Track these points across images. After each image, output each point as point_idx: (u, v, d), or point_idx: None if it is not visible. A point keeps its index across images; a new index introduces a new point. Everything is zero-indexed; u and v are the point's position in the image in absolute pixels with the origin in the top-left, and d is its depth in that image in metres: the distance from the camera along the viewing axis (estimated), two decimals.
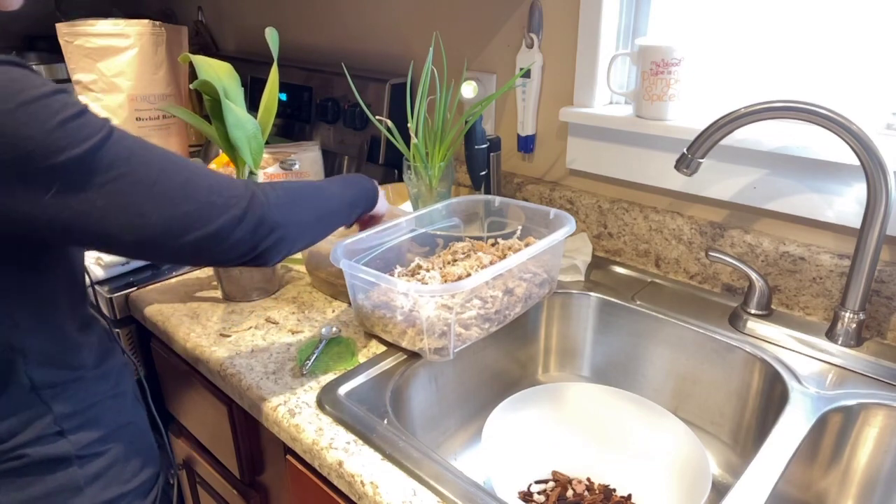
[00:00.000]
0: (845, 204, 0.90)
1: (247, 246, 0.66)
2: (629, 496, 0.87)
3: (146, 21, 1.33)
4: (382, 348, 0.91)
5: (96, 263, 1.13)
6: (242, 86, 0.99)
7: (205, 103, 0.95)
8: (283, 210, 0.69)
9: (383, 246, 0.98)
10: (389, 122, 1.14)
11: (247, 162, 0.96)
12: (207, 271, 1.15)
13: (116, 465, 0.77)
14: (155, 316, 1.01)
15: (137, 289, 1.10)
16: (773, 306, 0.96)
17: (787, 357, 0.88)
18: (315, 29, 1.70)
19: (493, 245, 1.03)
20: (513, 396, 0.90)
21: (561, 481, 0.89)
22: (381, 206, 0.94)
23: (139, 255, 0.64)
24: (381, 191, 0.94)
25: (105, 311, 1.11)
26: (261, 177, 1.36)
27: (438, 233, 1.07)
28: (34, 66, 2.21)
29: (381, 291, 0.88)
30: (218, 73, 0.95)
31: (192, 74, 0.99)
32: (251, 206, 0.65)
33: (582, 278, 1.09)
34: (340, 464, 0.70)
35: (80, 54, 1.29)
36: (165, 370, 1.11)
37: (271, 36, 1.01)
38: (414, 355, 0.89)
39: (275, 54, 1.00)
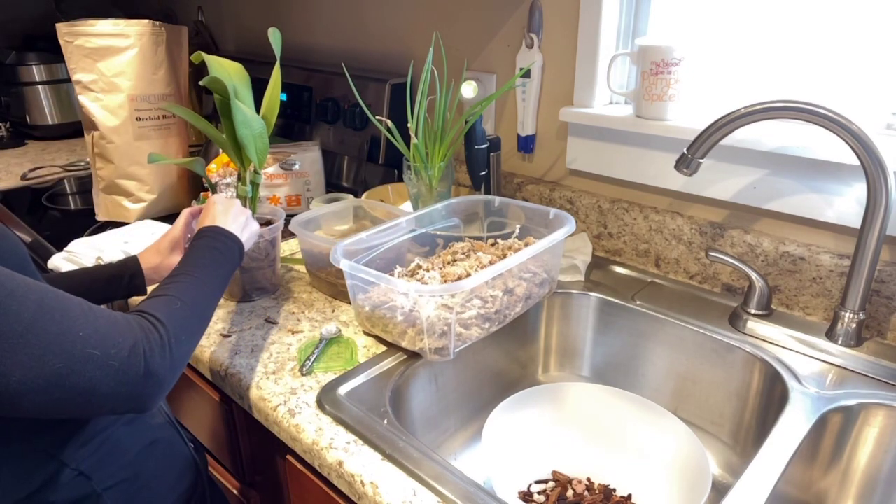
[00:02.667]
0: (845, 204, 0.90)
1: (121, 400, 0.59)
2: (629, 496, 0.87)
3: (146, 21, 1.33)
4: (382, 348, 0.91)
5: (96, 263, 1.13)
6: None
7: (215, 101, 0.95)
8: (175, 353, 0.63)
9: (383, 246, 0.98)
10: (389, 122, 1.14)
11: (252, 161, 0.95)
12: None
13: (149, 486, 0.76)
14: None
15: None
16: (773, 306, 0.96)
17: (787, 357, 0.88)
18: (315, 29, 1.70)
19: (492, 245, 1.03)
20: (513, 396, 0.90)
21: (561, 481, 0.89)
22: (252, 237, 0.89)
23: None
24: (246, 230, 0.86)
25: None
26: (261, 177, 1.36)
27: (438, 233, 1.07)
28: (34, 66, 2.21)
29: (381, 291, 0.88)
30: (229, 72, 0.95)
31: (193, 74, 0.99)
32: (132, 359, 0.59)
33: (582, 278, 1.09)
34: (340, 464, 0.70)
35: (80, 54, 1.29)
36: None
37: (274, 36, 1.01)
38: (414, 355, 0.89)
39: (277, 54, 1.00)
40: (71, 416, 0.63)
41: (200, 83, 0.91)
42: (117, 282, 0.88)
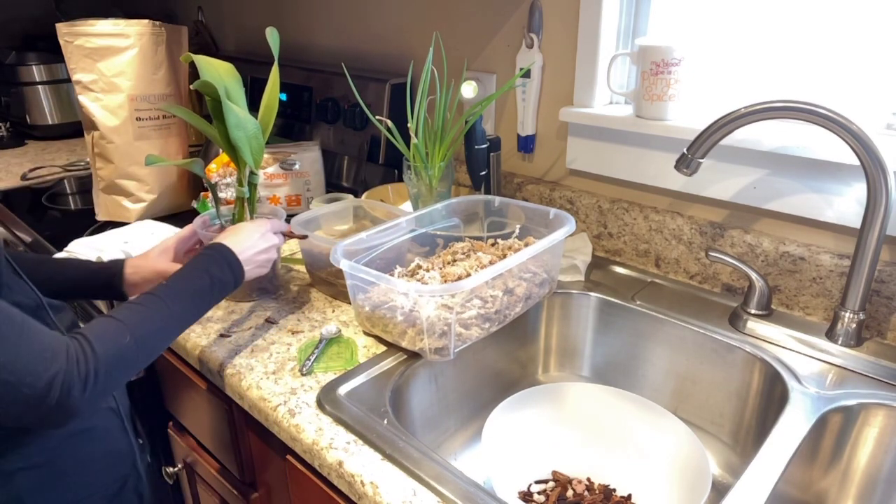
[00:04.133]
0: (845, 204, 0.90)
1: (29, 421, 0.62)
2: (629, 496, 0.87)
3: (146, 21, 1.33)
4: (382, 348, 0.91)
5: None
6: (243, 86, 0.99)
7: (206, 103, 0.95)
8: (100, 387, 0.63)
9: (383, 246, 0.98)
10: (389, 122, 1.14)
11: (247, 162, 0.95)
12: None
13: (68, 474, 0.75)
14: None
15: None
16: (773, 306, 0.96)
17: (787, 357, 0.88)
18: (315, 29, 1.70)
19: (492, 245, 1.03)
20: (513, 396, 0.90)
21: (561, 481, 0.89)
22: (260, 268, 0.88)
23: None
24: (259, 245, 0.87)
25: (104, 310, 1.11)
26: (261, 177, 1.36)
27: (438, 233, 1.07)
28: (34, 66, 2.21)
29: (381, 291, 0.88)
30: (220, 72, 0.95)
31: (193, 74, 0.99)
32: (47, 390, 0.59)
33: (582, 278, 1.09)
34: (340, 464, 0.70)
35: (80, 54, 1.29)
36: (165, 370, 1.11)
37: (272, 36, 1.00)
38: (414, 355, 0.89)
39: (275, 54, 1.00)
40: None
41: (191, 87, 0.91)
42: (96, 279, 0.90)
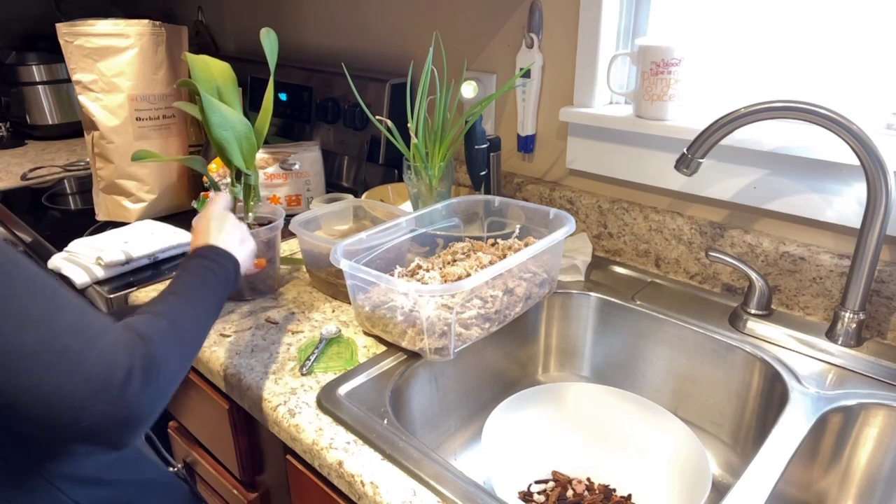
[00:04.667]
0: (845, 204, 0.90)
1: (89, 416, 0.50)
2: (629, 496, 0.87)
3: (146, 21, 1.33)
4: (382, 348, 0.91)
5: (96, 263, 1.13)
6: (242, 86, 0.98)
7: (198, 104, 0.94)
8: (156, 378, 0.54)
9: (383, 246, 0.98)
10: (389, 122, 1.14)
11: (233, 162, 0.93)
12: None
13: None
14: None
15: (137, 289, 1.10)
16: (773, 306, 0.96)
17: (787, 357, 0.88)
18: (315, 29, 1.70)
19: (492, 245, 1.03)
20: (513, 396, 0.90)
21: (561, 481, 0.89)
22: (243, 244, 0.82)
23: None
24: (241, 249, 0.81)
25: (104, 311, 1.11)
26: (261, 176, 1.36)
27: (438, 233, 1.07)
28: (34, 66, 2.21)
29: (381, 291, 0.88)
30: (213, 72, 0.94)
31: None
32: (113, 370, 0.50)
33: (582, 278, 1.09)
34: (340, 464, 0.70)
35: (80, 54, 1.29)
36: None
37: (268, 39, 0.97)
38: (414, 355, 0.89)
39: (271, 65, 0.98)
40: (26, 418, 0.50)
41: (174, 86, 0.90)
42: None
